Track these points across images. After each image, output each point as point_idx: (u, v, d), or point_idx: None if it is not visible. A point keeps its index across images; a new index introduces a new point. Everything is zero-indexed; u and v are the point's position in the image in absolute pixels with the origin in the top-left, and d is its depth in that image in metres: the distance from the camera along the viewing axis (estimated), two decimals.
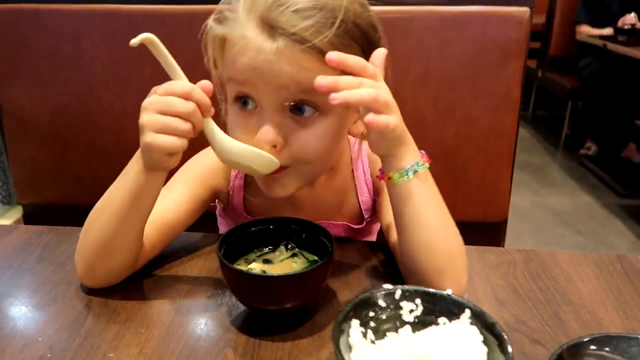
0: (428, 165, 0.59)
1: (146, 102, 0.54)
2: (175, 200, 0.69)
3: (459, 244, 0.61)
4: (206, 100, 0.54)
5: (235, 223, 0.73)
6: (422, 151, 0.60)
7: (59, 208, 1.15)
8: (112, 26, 1.02)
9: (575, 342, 0.49)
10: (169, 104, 0.53)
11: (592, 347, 0.49)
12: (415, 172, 0.58)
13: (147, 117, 0.53)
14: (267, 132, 0.59)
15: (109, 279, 0.62)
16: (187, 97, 0.53)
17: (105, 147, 1.09)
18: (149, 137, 0.53)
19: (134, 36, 1.05)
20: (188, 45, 0.99)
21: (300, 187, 0.66)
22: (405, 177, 0.58)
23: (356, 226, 0.76)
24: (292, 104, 0.59)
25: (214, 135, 0.57)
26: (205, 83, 0.55)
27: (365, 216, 0.76)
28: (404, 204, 0.59)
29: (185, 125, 0.53)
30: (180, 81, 0.54)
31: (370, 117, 0.52)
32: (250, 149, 0.58)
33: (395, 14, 0.97)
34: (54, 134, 1.10)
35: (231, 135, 0.60)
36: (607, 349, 0.50)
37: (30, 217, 1.20)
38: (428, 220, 0.59)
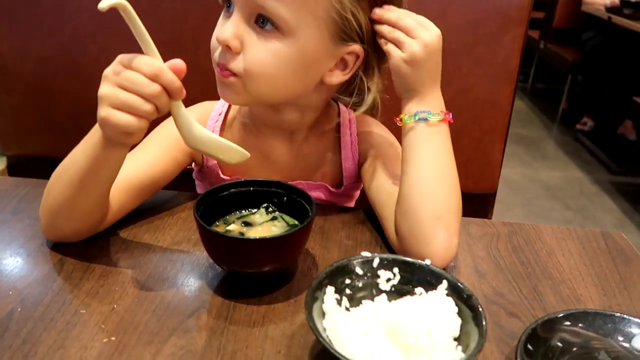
0: (440, 118, 0.62)
1: (108, 71, 0.50)
2: (147, 161, 0.67)
3: (459, 201, 0.63)
4: (175, 83, 0.50)
5: (212, 185, 0.72)
6: (449, 112, 0.63)
7: (44, 160, 1.12)
8: None
9: (550, 317, 0.49)
10: (132, 81, 0.49)
11: (567, 322, 0.49)
12: (425, 119, 0.62)
13: (107, 89, 0.50)
14: (226, 30, 0.59)
15: (71, 237, 0.61)
16: (154, 78, 0.49)
17: (90, 99, 1.02)
18: (104, 111, 0.50)
19: None
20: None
21: (247, 102, 0.67)
22: (412, 119, 0.62)
23: (334, 189, 0.75)
24: (258, 14, 0.58)
25: (183, 121, 0.54)
26: (177, 62, 0.50)
27: (346, 183, 0.75)
28: (408, 145, 0.63)
29: (147, 107, 0.49)
30: (149, 58, 0.50)
31: (387, 46, 0.61)
32: (218, 139, 0.57)
33: None
34: (38, 85, 1.06)
35: (213, 36, 0.61)
36: (581, 325, 0.50)
37: (14, 168, 1.18)
38: (431, 166, 0.62)
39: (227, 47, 0.59)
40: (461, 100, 1.00)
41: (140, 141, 0.68)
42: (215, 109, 0.75)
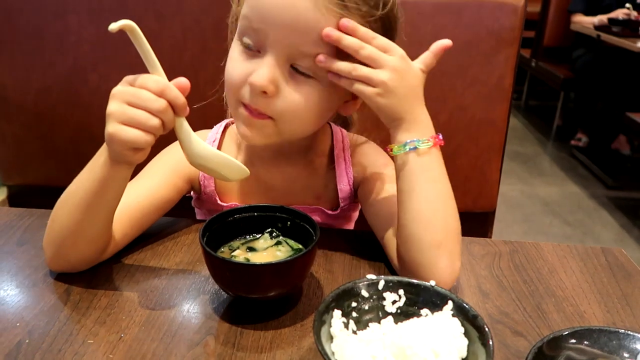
0: (430, 144, 0.60)
1: (115, 90, 0.52)
2: (148, 188, 0.68)
3: (457, 225, 0.62)
4: (180, 99, 0.52)
5: (210, 212, 0.73)
6: (439, 134, 0.62)
7: (45, 189, 1.13)
8: (99, 4, 1.00)
9: (555, 335, 0.49)
10: (139, 97, 0.51)
11: (572, 340, 0.50)
12: (415, 148, 0.60)
13: (114, 106, 0.51)
14: (262, 76, 0.59)
15: (75, 267, 0.62)
16: (160, 94, 0.51)
17: (91, 128, 1.07)
18: (112, 127, 0.51)
19: (122, 15, 1.03)
20: (177, 23, 0.98)
21: (273, 142, 0.66)
22: (402, 150, 0.61)
23: (331, 212, 0.76)
24: (295, 60, 0.59)
25: (186, 136, 0.55)
26: (182, 81, 0.53)
27: (342, 204, 0.76)
28: (403, 176, 0.61)
29: (153, 121, 0.51)
30: (155, 76, 0.52)
31: (355, 86, 0.58)
32: (220, 154, 0.57)
33: None
34: (39, 115, 1.08)
35: (229, 69, 0.62)
36: (587, 342, 0.50)
37: (15, 199, 1.19)
38: (427, 194, 0.61)
39: (262, 92, 0.59)
40: (457, 120, 1.02)
41: (142, 167, 0.69)
42: (209, 136, 0.76)
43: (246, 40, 0.60)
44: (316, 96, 0.61)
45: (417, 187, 0.61)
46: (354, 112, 0.73)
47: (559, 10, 3.30)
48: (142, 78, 0.52)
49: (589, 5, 3.16)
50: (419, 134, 0.61)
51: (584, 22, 3.12)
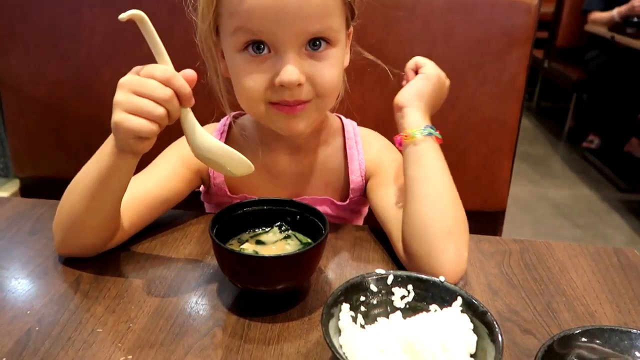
0: (440, 136, 0.66)
1: (123, 80, 0.53)
2: (158, 179, 0.68)
3: (464, 214, 0.63)
4: (187, 89, 0.53)
5: (220, 205, 0.73)
6: (438, 131, 0.67)
7: (56, 182, 1.13)
8: None
9: (566, 333, 0.49)
10: (145, 86, 0.51)
11: (583, 339, 0.49)
12: (430, 134, 0.65)
13: (121, 95, 0.52)
14: (292, 72, 0.60)
15: (82, 252, 0.63)
16: (166, 82, 0.51)
17: (103, 121, 1.05)
18: (118, 116, 0.52)
19: (135, 8, 1.03)
20: (186, 19, 0.98)
21: (315, 121, 0.68)
22: (420, 132, 0.64)
23: (340, 202, 0.76)
24: (309, 40, 0.60)
25: (190, 128, 0.55)
26: (189, 72, 0.53)
27: (351, 195, 0.76)
28: (419, 161, 0.64)
29: (159, 110, 0.51)
30: (162, 65, 0.53)
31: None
32: (225, 147, 0.57)
33: None
34: (52, 107, 1.08)
35: (244, 83, 0.62)
36: (598, 341, 0.49)
37: (27, 190, 1.20)
38: (441, 181, 0.63)
39: (297, 85, 0.60)
40: (468, 119, 1.01)
41: (152, 159, 0.70)
42: (217, 128, 0.76)
43: (252, 50, 0.60)
44: (337, 59, 0.64)
45: (431, 173, 0.63)
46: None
47: (573, 11, 3.27)
48: (148, 67, 0.52)
49: (607, 2, 3.11)
50: (432, 123, 0.66)
51: (603, 17, 3.06)
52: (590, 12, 3.16)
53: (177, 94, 0.52)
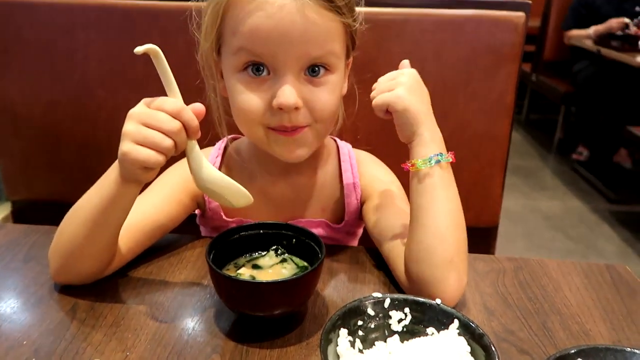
0: (451, 160, 0.64)
1: (133, 111, 0.54)
2: (154, 205, 0.68)
3: (466, 240, 0.63)
4: (195, 122, 0.54)
5: (215, 228, 0.73)
6: (451, 152, 0.64)
7: (50, 205, 1.13)
8: (107, 21, 1.01)
9: (561, 353, 0.49)
10: (155, 118, 0.52)
11: (579, 359, 0.50)
12: (438, 162, 0.62)
13: (130, 126, 0.53)
14: (290, 94, 0.60)
15: (79, 280, 0.62)
16: (176, 115, 0.53)
17: (97, 143, 1.07)
18: (126, 146, 0.53)
19: (129, 32, 1.04)
20: (181, 41, 0.99)
21: (314, 148, 0.68)
22: (428, 164, 0.62)
23: (335, 225, 0.76)
24: (308, 66, 0.61)
25: (196, 160, 0.56)
26: (197, 106, 0.55)
27: (347, 218, 0.76)
28: (425, 191, 0.62)
29: (167, 142, 0.52)
30: (172, 99, 0.54)
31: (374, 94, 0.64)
32: (227, 180, 0.58)
33: (390, 16, 0.97)
34: (46, 129, 1.08)
35: (241, 104, 0.62)
36: None
37: (19, 214, 1.19)
38: (446, 210, 0.62)
39: (295, 109, 0.61)
40: (459, 135, 1.03)
41: (149, 184, 0.70)
42: (211, 153, 0.77)
43: (251, 72, 0.61)
44: (335, 86, 0.64)
45: (437, 202, 0.62)
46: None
47: (559, 25, 3.33)
48: (159, 100, 0.53)
49: (582, 20, 3.18)
50: (440, 149, 0.63)
51: (580, 35, 3.14)
52: (568, 31, 3.24)
53: (185, 127, 0.53)
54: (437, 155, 0.62)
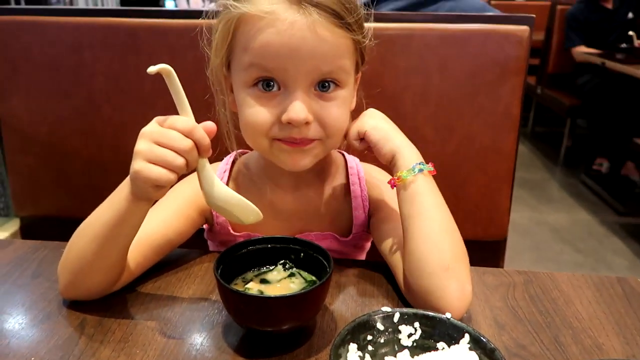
0: (432, 169, 0.65)
1: (145, 130, 0.54)
2: (162, 220, 0.69)
3: (463, 247, 0.63)
4: (206, 140, 0.54)
5: (223, 243, 0.73)
6: (430, 163, 0.66)
7: (57, 221, 1.14)
8: (113, 39, 1.03)
9: None
10: (167, 137, 0.53)
11: None
12: (421, 170, 0.64)
13: (143, 144, 0.53)
14: (300, 110, 0.60)
15: (88, 295, 0.62)
16: (188, 134, 0.53)
17: (104, 160, 1.08)
18: (138, 165, 0.53)
19: (135, 49, 1.05)
20: (189, 58, 1.00)
21: (319, 158, 0.68)
22: (412, 173, 0.64)
23: (343, 238, 0.76)
24: (318, 81, 0.62)
25: (208, 178, 0.57)
26: (209, 124, 0.55)
27: (355, 231, 0.76)
28: (410, 200, 0.63)
29: (179, 161, 0.53)
30: (184, 117, 0.55)
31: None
32: (238, 197, 0.59)
33: (395, 31, 0.97)
34: (53, 146, 1.09)
35: (250, 118, 0.63)
36: None
37: (27, 230, 1.19)
38: (436, 216, 0.63)
39: (305, 124, 0.62)
40: (465, 149, 1.03)
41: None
42: (219, 168, 0.77)
43: (262, 87, 0.62)
44: (344, 100, 0.65)
45: (425, 210, 0.63)
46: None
47: (562, 39, 3.35)
48: (172, 119, 0.54)
49: (588, 37, 3.20)
50: (420, 159, 0.66)
51: (589, 51, 3.15)
52: (574, 48, 3.25)
53: (197, 145, 0.54)
54: (419, 164, 0.64)
